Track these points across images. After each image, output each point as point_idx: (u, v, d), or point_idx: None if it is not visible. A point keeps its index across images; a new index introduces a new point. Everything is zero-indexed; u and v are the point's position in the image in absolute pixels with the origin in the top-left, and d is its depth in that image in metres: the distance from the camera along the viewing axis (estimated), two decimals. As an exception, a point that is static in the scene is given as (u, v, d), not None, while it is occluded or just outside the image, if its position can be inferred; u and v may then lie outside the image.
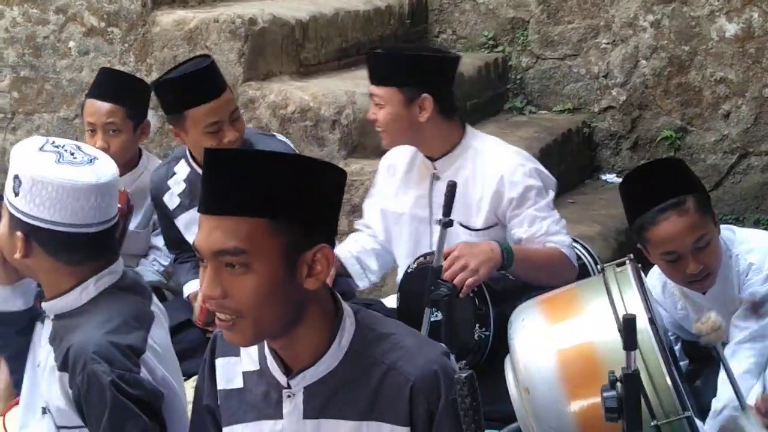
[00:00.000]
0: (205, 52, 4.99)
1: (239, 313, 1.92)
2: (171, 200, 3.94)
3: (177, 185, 3.89)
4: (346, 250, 3.71)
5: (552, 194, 3.55)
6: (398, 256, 3.68)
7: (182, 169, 3.90)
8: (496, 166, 3.49)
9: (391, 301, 3.59)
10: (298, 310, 1.96)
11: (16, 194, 2.34)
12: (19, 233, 2.35)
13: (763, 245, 3.28)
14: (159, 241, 4.30)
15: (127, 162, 4.23)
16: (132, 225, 4.17)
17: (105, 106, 4.11)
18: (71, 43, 5.34)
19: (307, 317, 1.98)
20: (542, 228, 3.44)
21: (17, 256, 2.37)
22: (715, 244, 3.18)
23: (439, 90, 3.48)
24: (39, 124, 5.52)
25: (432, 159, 3.56)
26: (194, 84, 3.65)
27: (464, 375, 1.76)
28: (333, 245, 1.98)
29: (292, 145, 4.00)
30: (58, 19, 5.35)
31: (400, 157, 3.71)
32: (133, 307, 2.45)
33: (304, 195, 1.90)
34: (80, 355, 2.30)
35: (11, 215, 2.37)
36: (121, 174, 4.12)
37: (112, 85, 4.19)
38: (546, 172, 3.58)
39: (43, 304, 2.46)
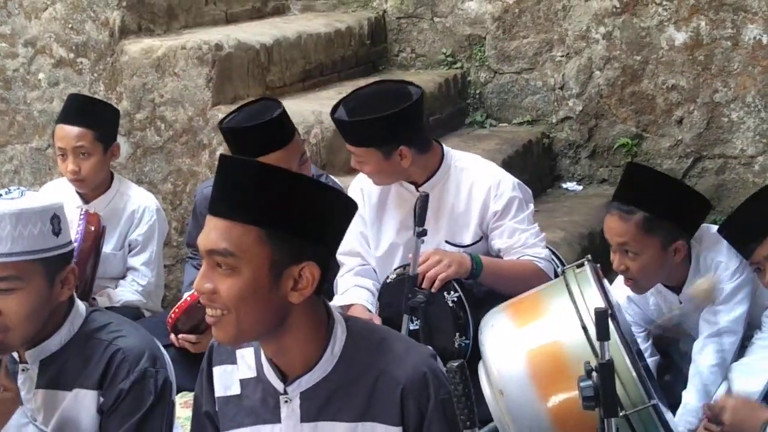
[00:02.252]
0: (173, 79, 5.09)
1: (226, 308, 1.99)
2: None
3: None
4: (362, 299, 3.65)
5: (532, 207, 3.61)
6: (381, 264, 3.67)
7: None
8: (482, 181, 3.54)
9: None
10: (280, 318, 2.03)
11: None
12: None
13: (726, 245, 3.39)
14: (136, 261, 4.35)
15: (99, 185, 4.29)
16: (107, 247, 4.24)
17: (74, 130, 4.16)
18: (41, 75, 5.37)
19: (295, 326, 2.05)
20: (520, 240, 3.49)
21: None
22: (644, 261, 3.31)
23: (412, 136, 3.49)
24: (12, 155, 5.54)
25: (416, 185, 3.60)
26: (264, 133, 3.64)
27: (455, 364, 1.85)
28: (327, 266, 2.04)
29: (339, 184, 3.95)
30: (27, 52, 5.39)
31: (369, 182, 3.73)
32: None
33: (299, 212, 1.97)
34: (134, 357, 2.46)
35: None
36: (93, 197, 4.27)
37: (80, 109, 4.23)
38: (525, 186, 3.63)
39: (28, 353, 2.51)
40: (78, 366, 2.50)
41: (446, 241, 3.54)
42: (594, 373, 2.22)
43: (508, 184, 3.55)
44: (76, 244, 3.85)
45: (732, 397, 2.89)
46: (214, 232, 1.99)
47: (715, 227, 3.48)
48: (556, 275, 3.57)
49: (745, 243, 3.27)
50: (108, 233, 4.21)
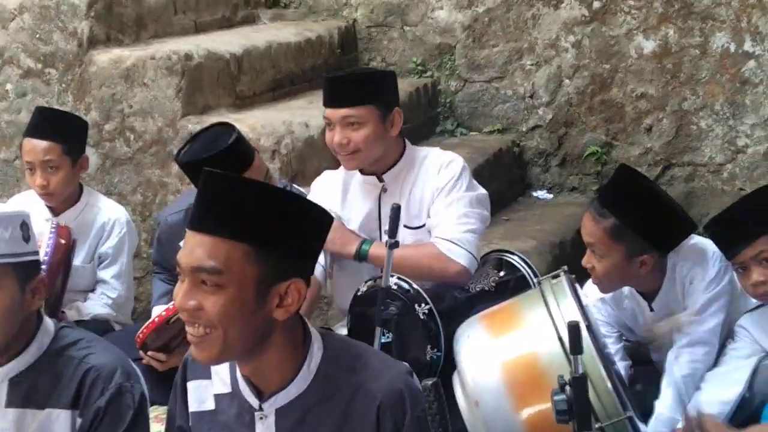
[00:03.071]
0: (142, 89, 5.06)
1: (212, 325, 1.96)
2: None
3: None
4: None
5: (471, 195, 3.54)
6: (355, 272, 3.63)
7: None
8: (435, 163, 3.56)
9: (339, 329, 3.59)
10: (263, 335, 2.01)
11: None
12: None
13: (703, 255, 3.41)
14: (106, 274, 4.32)
15: (68, 198, 4.27)
16: (77, 260, 4.21)
17: (42, 144, 4.13)
18: (8, 86, 5.32)
19: (274, 344, 2.04)
20: (443, 220, 3.47)
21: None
22: (607, 265, 3.31)
23: (398, 104, 3.57)
24: (-20, 166, 5.49)
25: (378, 174, 3.60)
26: (227, 159, 3.51)
27: (430, 382, 1.87)
28: (308, 282, 2.02)
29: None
30: (-6, 63, 5.34)
31: (329, 181, 3.74)
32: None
33: (288, 229, 1.95)
34: (107, 374, 2.44)
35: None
36: (63, 210, 4.24)
37: (48, 123, 4.20)
38: (479, 186, 3.61)
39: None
40: (49, 384, 2.48)
41: (405, 226, 3.53)
42: (567, 387, 2.25)
43: (455, 165, 3.56)
44: (46, 258, 3.83)
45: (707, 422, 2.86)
46: (199, 249, 1.95)
47: (695, 237, 3.48)
48: (526, 282, 3.55)
49: (733, 243, 3.27)
50: (77, 246, 4.18)
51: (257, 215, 1.94)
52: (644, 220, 3.30)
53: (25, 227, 2.46)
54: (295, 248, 1.98)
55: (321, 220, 2.05)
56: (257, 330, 2.00)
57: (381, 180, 3.60)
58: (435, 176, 3.55)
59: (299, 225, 1.98)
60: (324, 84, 3.64)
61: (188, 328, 2.00)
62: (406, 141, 3.66)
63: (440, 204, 3.51)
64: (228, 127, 3.74)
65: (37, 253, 2.53)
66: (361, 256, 3.50)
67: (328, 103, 3.56)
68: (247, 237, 1.93)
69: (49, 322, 2.54)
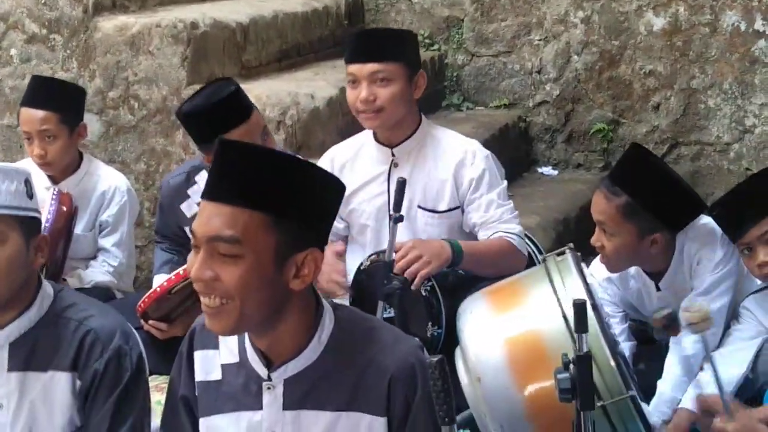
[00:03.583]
0: (147, 57, 5.03)
1: (229, 296, 1.95)
2: (190, 209, 3.92)
3: (198, 195, 3.78)
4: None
5: (505, 183, 3.58)
6: (360, 247, 3.64)
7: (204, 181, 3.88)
8: (459, 148, 3.53)
9: (341, 301, 3.59)
10: (279, 306, 2.00)
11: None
12: None
13: (712, 235, 3.39)
14: (107, 242, 4.31)
15: (67, 166, 4.25)
16: (78, 228, 4.20)
17: (38, 113, 4.11)
18: (13, 51, 5.29)
19: (288, 314, 2.02)
20: (496, 214, 3.47)
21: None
22: (617, 244, 3.30)
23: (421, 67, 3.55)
24: (-17, 132, 5.46)
25: (390, 146, 3.57)
26: (223, 111, 3.61)
27: (435, 360, 1.84)
28: (323, 252, 2.02)
29: None
30: (-1, 27, 5.32)
31: (343, 150, 3.71)
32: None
33: (306, 198, 1.94)
34: (106, 336, 2.47)
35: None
36: (63, 178, 4.24)
37: (44, 92, 4.18)
38: (498, 162, 3.61)
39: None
40: (50, 347, 2.49)
41: (419, 206, 3.51)
42: (571, 366, 2.22)
43: (482, 154, 3.55)
44: (47, 224, 3.81)
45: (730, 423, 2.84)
46: (216, 219, 1.93)
47: (705, 218, 3.46)
48: (531, 257, 3.57)
49: (739, 223, 3.26)
50: (78, 213, 4.17)
51: (274, 184, 1.93)
52: (657, 199, 3.30)
53: (28, 184, 2.48)
54: (312, 217, 1.97)
55: (336, 188, 2.04)
56: (273, 300, 1.98)
57: (393, 154, 3.56)
58: (463, 164, 3.51)
59: (316, 194, 1.97)
60: (350, 40, 3.63)
61: (203, 299, 1.98)
62: (422, 115, 3.62)
63: (487, 196, 3.48)
64: (228, 81, 3.79)
65: (39, 211, 2.54)
66: (458, 258, 3.37)
67: (355, 58, 3.50)
68: (264, 205, 1.92)
69: (48, 285, 2.55)
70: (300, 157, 1.99)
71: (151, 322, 3.67)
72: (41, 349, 2.49)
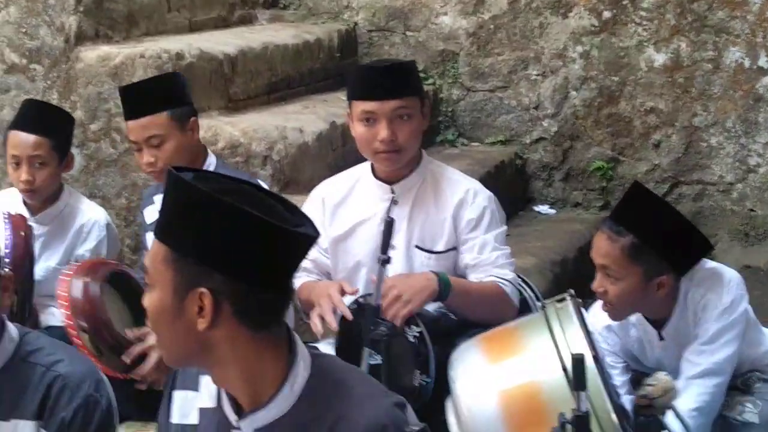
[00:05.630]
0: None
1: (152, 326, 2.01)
2: (151, 215, 3.87)
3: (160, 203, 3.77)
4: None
5: (505, 228, 3.48)
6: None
7: None
8: (461, 187, 3.42)
9: (325, 346, 3.41)
10: (201, 346, 1.92)
11: None
12: None
13: (719, 281, 3.28)
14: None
15: (49, 196, 4.14)
16: (53, 262, 4.10)
17: (30, 138, 4.00)
18: (-8, 81, 5.22)
19: (228, 359, 1.92)
20: (491, 258, 3.35)
21: None
22: (623, 288, 3.19)
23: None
24: (-40, 163, 5.37)
25: (390, 183, 3.44)
26: (129, 96, 3.80)
27: (417, 429, 1.70)
28: (230, 297, 1.89)
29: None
30: (-22, 57, 5.23)
31: (336, 188, 3.57)
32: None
33: (196, 233, 1.88)
34: (75, 383, 2.40)
35: None
36: (43, 208, 4.15)
37: (38, 116, 4.08)
38: (499, 204, 3.50)
39: None
40: (14, 394, 2.41)
41: (416, 246, 3.40)
42: (569, 426, 2.13)
43: (484, 195, 3.44)
44: (7, 258, 3.65)
45: None
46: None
47: (710, 262, 3.36)
48: (526, 304, 3.43)
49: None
50: (53, 247, 4.10)
51: (175, 217, 1.92)
52: (664, 238, 3.19)
53: None
54: (205, 256, 1.88)
55: (253, 233, 1.89)
56: (188, 338, 1.92)
57: (392, 191, 3.43)
58: (464, 203, 3.39)
59: (219, 233, 1.87)
60: (361, 74, 3.52)
61: None
62: (422, 152, 3.51)
63: (483, 237, 3.36)
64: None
65: None
66: (445, 292, 3.24)
67: (372, 95, 3.33)
68: (163, 239, 1.93)
69: (12, 328, 2.47)
70: (224, 198, 1.87)
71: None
72: (4, 396, 2.40)
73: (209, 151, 3.99)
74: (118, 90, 4.14)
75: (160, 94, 3.82)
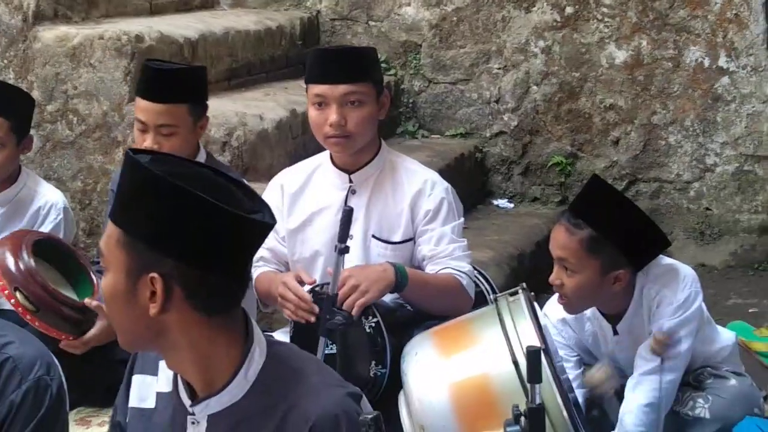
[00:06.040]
0: (89, 70, 4.88)
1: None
2: None
3: None
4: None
5: (462, 220, 3.45)
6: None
7: None
8: (417, 178, 3.39)
9: (281, 335, 3.40)
10: (154, 331, 1.90)
11: None
12: None
13: (674, 277, 3.28)
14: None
15: (7, 178, 4.07)
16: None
17: None
18: (-54, 60, 5.13)
19: (181, 345, 1.91)
20: (447, 250, 3.32)
21: None
22: (580, 281, 3.19)
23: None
24: None
25: (349, 172, 3.41)
26: (155, 76, 3.68)
27: (370, 417, 1.69)
28: (182, 281, 1.87)
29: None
30: (-68, 34, 5.14)
31: (294, 176, 3.53)
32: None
33: (155, 219, 1.85)
34: (26, 365, 2.38)
35: None
36: (0, 189, 4.05)
37: None
38: (457, 197, 3.48)
39: None
40: None
41: (373, 236, 3.37)
42: (522, 418, 2.11)
43: (442, 186, 3.41)
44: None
45: None
46: None
47: (667, 259, 3.35)
48: (482, 297, 3.42)
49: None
50: (10, 229, 3.97)
51: (128, 199, 1.89)
52: (622, 232, 3.18)
53: None
54: (155, 240, 1.86)
55: (206, 217, 1.86)
56: (140, 322, 1.90)
57: (350, 180, 3.40)
58: (421, 194, 3.37)
59: (171, 218, 1.84)
60: (315, 57, 3.43)
61: None
62: (381, 142, 3.48)
63: (440, 229, 3.34)
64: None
65: None
66: (402, 283, 3.21)
67: (323, 77, 3.30)
68: (117, 220, 1.91)
69: None
70: (176, 182, 1.83)
71: (63, 343, 3.47)
72: None
73: (201, 145, 3.92)
74: (144, 63, 3.99)
75: (188, 84, 3.74)
